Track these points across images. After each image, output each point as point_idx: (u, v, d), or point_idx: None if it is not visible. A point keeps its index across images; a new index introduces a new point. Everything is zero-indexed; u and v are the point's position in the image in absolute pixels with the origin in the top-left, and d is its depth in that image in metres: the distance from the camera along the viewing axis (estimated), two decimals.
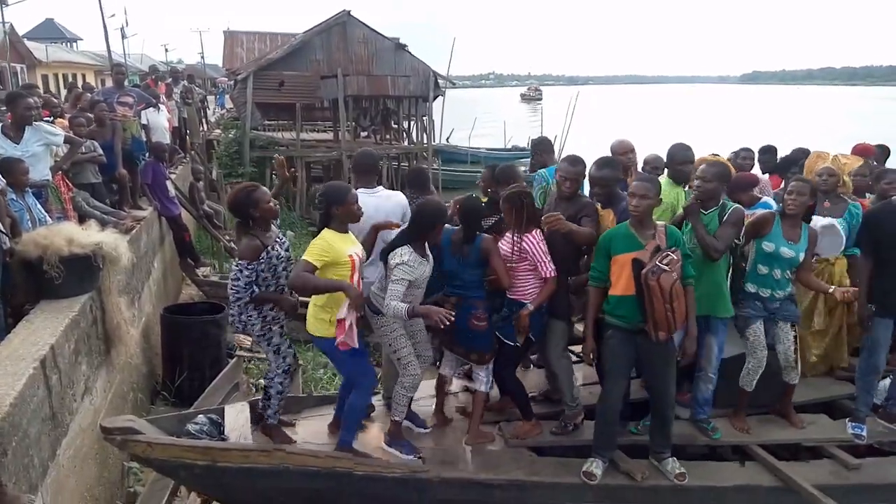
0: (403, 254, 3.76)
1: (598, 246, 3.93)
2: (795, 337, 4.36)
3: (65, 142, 6.03)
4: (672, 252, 3.70)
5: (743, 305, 4.31)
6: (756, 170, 6.16)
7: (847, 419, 4.51)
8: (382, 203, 4.34)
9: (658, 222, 3.88)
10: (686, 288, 3.76)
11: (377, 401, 4.60)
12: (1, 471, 2.97)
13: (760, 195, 5.06)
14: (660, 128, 34.93)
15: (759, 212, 4.80)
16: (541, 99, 79.15)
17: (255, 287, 3.81)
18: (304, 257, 3.65)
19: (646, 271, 3.63)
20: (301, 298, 4.05)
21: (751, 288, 4.29)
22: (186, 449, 3.82)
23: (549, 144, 6.00)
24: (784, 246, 4.19)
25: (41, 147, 5.57)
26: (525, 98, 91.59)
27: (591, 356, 4.01)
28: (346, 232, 3.83)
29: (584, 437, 4.25)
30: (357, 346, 3.73)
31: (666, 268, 3.62)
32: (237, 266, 3.81)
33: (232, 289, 3.81)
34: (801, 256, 4.21)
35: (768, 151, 6.49)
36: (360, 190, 4.28)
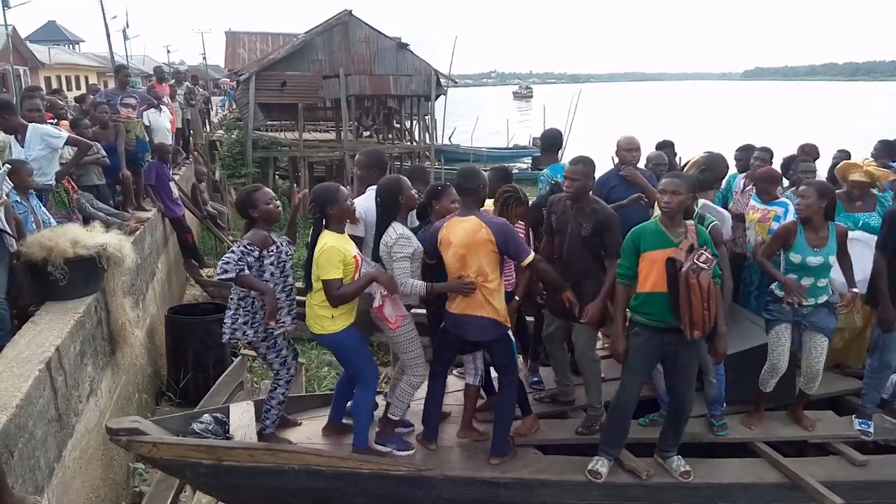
0: (396, 228, 3.83)
1: (625, 243, 3.87)
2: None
3: (71, 144, 5.95)
4: (705, 251, 3.67)
5: (771, 308, 4.27)
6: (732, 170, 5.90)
7: (854, 415, 4.49)
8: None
9: (688, 221, 3.83)
10: (715, 287, 3.74)
11: (380, 399, 4.59)
12: (7, 472, 2.98)
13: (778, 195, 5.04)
14: (663, 125, 34.83)
15: (774, 209, 4.78)
16: (531, 96, 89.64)
17: (245, 267, 3.71)
18: (326, 277, 3.62)
19: (686, 270, 3.57)
20: (297, 297, 4.03)
21: (779, 293, 4.24)
22: (192, 448, 3.82)
23: (557, 139, 5.55)
24: (811, 255, 4.10)
25: (44, 151, 5.54)
26: (517, 96, 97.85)
27: (624, 355, 3.91)
28: (343, 232, 3.81)
29: (592, 437, 4.25)
30: (406, 313, 3.81)
31: (704, 266, 3.58)
32: (238, 243, 3.79)
33: (223, 260, 3.70)
34: (833, 259, 4.10)
35: (746, 150, 6.10)
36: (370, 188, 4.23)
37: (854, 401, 4.64)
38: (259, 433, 4.07)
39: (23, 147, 5.42)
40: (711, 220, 4.12)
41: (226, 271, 3.67)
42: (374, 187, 4.12)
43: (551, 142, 5.53)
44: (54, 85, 27.89)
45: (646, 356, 3.86)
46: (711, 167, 4.99)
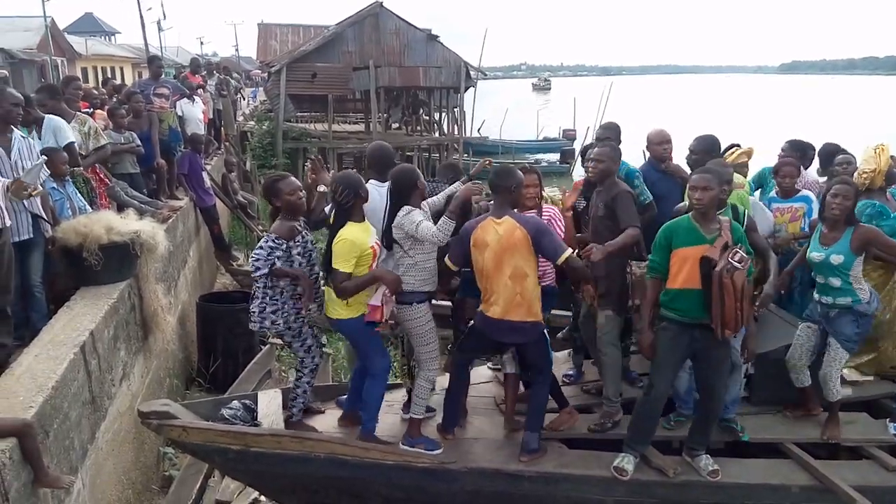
0: (406, 209, 3.80)
1: (657, 238, 3.84)
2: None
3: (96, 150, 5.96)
4: (739, 249, 3.62)
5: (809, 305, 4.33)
6: None
7: (888, 419, 4.39)
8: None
9: (722, 217, 3.77)
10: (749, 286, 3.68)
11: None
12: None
13: (800, 188, 4.93)
14: (696, 119, 34.28)
15: (799, 206, 4.70)
16: (550, 88, 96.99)
17: (276, 260, 3.77)
18: (336, 267, 3.67)
19: (720, 269, 3.53)
20: None
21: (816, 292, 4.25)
22: (220, 433, 3.89)
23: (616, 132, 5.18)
24: (814, 251, 4.06)
25: (55, 144, 5.25)
26: (536, 88, 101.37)
27: (650, 350, 3.87)
28: (363, 221, 3.83)
29: (616, 432, 4.20)
30: (388, 317, 3.81)
31: (739, 265, 3.54)
32: (265, 238, 3.83)
33: (253, 257, 3.79)
34: (837, 259, 3.97)
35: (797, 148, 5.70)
36: (371, 182, 4.13)
37: (889, 404, 4.54)
38: (286, 420, 4.11)
39: (40, 139, 5.26)
40: (744, 211, 4.05)
41: (258, 268, 3.76)
42: (375, 182, 4.11)
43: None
44: (90, 76, 28.46)
45: (675, 352, 3.82)
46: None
